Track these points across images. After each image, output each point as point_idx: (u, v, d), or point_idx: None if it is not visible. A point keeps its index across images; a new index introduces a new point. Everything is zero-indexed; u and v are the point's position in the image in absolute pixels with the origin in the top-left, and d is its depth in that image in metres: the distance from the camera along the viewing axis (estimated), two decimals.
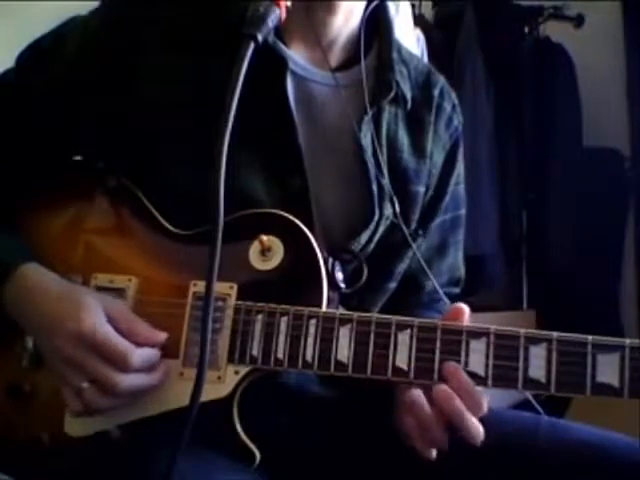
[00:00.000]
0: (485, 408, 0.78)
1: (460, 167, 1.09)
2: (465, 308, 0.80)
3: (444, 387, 0.77)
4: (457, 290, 1.16)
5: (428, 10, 3.01)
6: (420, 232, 1.02)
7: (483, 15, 2.88)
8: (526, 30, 2.98)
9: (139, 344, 0.80)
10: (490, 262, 2.70)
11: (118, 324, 0.80)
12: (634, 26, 2.98)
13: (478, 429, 0.78)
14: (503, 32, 2.96)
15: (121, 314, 0.81)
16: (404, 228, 0.96)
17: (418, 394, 0.80)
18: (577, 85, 2.98)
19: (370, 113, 0.95)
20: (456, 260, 1.13)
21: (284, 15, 0.82)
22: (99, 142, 0.94)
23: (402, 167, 0.99)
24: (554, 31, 3.03)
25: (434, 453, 0.82)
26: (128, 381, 0.78)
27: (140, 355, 0.79)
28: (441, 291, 0.98)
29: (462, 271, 1.15)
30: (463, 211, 1.12)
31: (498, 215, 2.83)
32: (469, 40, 2.82)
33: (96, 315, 0.79)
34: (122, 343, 0.78)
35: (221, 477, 0.78)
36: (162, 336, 0.81)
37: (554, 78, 2.95)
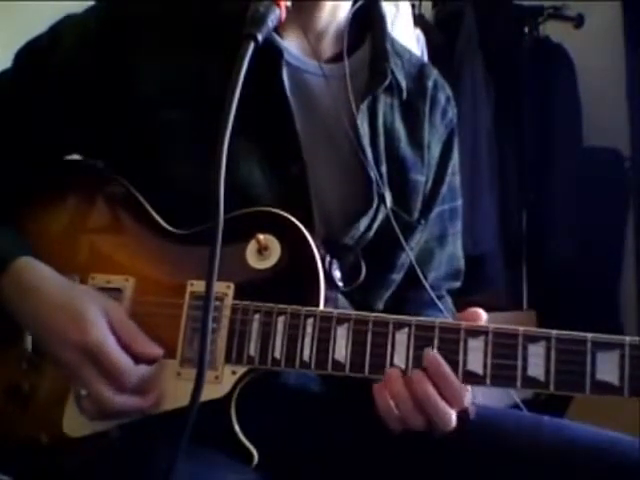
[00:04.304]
0: (465, 402, 0.78)
1: (455, 158, 1.09)
2: (482, 314, 0.80)
3: (418, 371, 0.77)
4: (458, 284, 1.16)
5: (428, 10, 3.01)
6: (422, 221, 1.02)
7: (483, 15, 2.88)
8: (526, 30, 2.98)
9: (137, 357, 0.80)
10: (490, 262, 2.70)
11: (119, 335, 0.81)
12: (634, 26, 2.98)
13: (448, 416, 0.77)
14: (503, 32, 2.96)
15: (122, 324, 0.82)
16: (391, 216, 0.94)
17: (395, 370, 0.79)
18: (577, 85, 2.98)
19: (366, 102, 0.96)
20: (455, 250, 1.13)
21: (284, 15, 0.82)
22: (98, 141, 0.94)
23: (400, 156, 0.99)
24: (554, 31, 3.04)
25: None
26: (120, 401, 0.79)
27: (137, 375, 0.80)
28: (435, 297, 0.97)
29: (462, 263, 1.15)
30: (460, 202, 1.12)
31: (498, 215, 2.83)
32: (469, 40, 2.83)
33: (101, 329, 0.80)
34: (122, 361, 0.79)
35: (219, 477, 0.78)
36: (159, 351, 0.82)
37: (554, 78, 2.96)
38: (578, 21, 2.97)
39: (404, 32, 2.31)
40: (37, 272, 0.85)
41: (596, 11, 2.98)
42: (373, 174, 0.94)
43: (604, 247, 2.93)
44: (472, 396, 0.81)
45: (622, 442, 0.87)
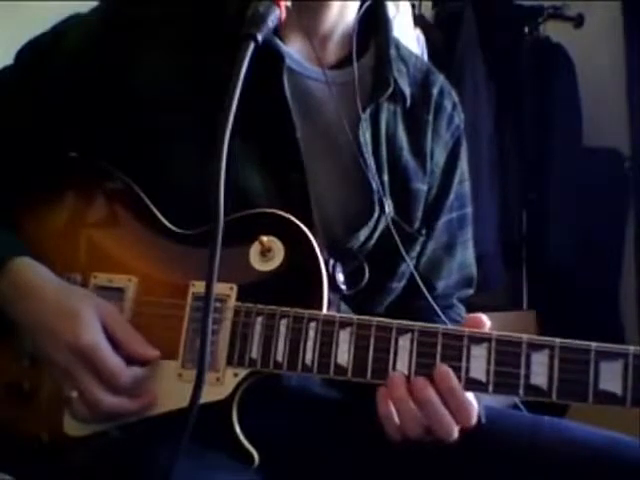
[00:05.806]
0: (472, 421, 0.77)
1: (463, 165, 1.08)
2: (486, 320, 0.79)
3: (421, 377, 0.76)
4: (470, 291, 1.14)
5: (428, 10, 3.01)
6: (423, 231, 1.01)
7: (483, 15, 2.88)
8: (526, 30, 2.98)
9: (131, 359, 0.81)
10: (490, 262, 2.70)
11: (113, 336, 0.81)
12: (634, 26, 2.98)
13: (449, 426, 0.76)
14: (503, 32, 2.96)
15: (117, 326, 0.82)
16: (391, 226, 0.94)
17: (399, 374, 0.78)
18: (577, 85, 2.98)
19: (369, 110, 0.95)
20: (465, 258, 1.11)
21: (284, 15, 0.82)
22: (99, 140, 0.94)
23: (402, 165, 0.99)
24: (554, 31, 3.04)
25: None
26: (111, 402, 0.79)
27: (129, 377, 0.80)
28: (436, 306, 0.96)
29: (473, 269, 1.13)
30: (469, 209, 1.11)
31: (498, 215, 2.83)
32: (469, 40, 2.82)
33: (94, 330, 0.80)
34: (114, 362, 0.79)
35: (220, 478, 0.78)
36: (155, 354, 0.82)
37: (554, 78, 2.95)
38: (578, 21, 2.98)
39: (404, 32, 2.31)
40: (34, 273, 0.85)
41: (596, 11, 2.98)
42: (374, 183, 0.94)
43: (604, 247, 2.93)
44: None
45: (622, 442, 0.88)
